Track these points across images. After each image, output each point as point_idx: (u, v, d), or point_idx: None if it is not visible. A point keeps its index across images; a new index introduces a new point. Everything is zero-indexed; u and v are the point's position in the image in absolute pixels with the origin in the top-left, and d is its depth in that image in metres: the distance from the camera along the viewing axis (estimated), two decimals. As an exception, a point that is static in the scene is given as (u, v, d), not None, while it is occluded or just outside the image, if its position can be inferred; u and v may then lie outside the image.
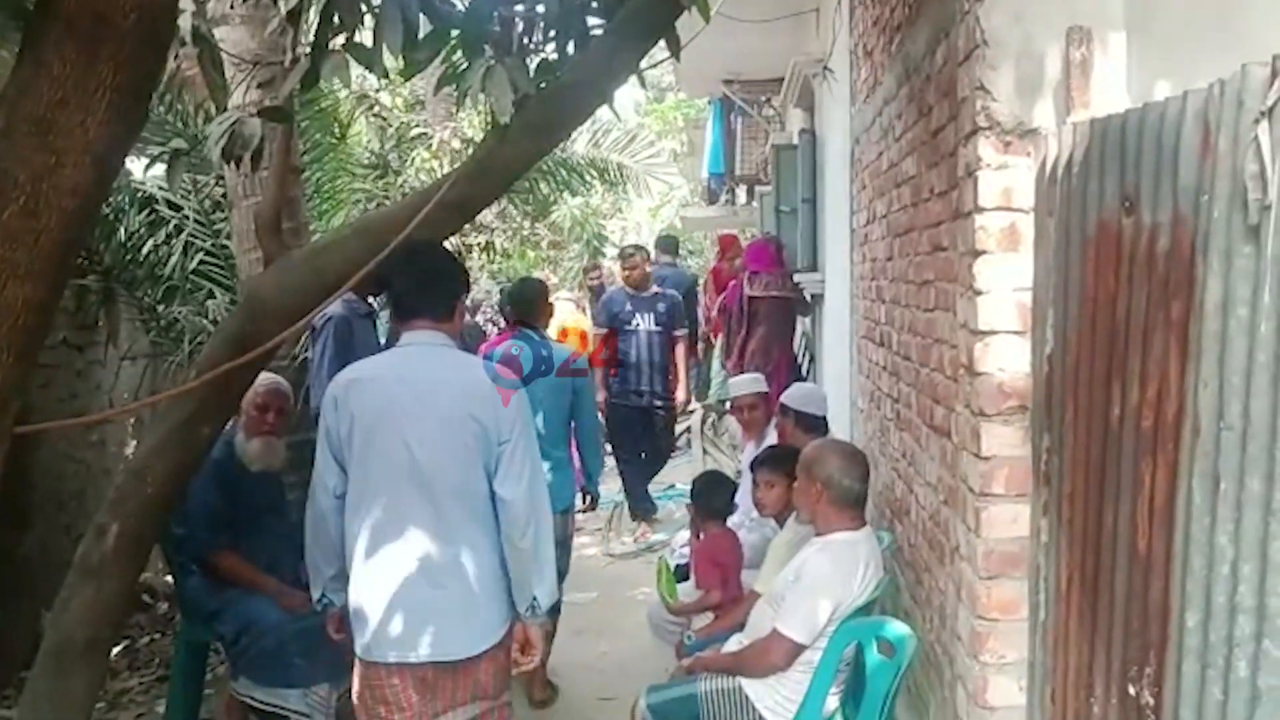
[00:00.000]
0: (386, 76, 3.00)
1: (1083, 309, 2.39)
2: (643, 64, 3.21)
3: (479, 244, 12.76)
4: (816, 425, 4.80)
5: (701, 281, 11.46)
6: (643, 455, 8.06)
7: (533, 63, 3.13)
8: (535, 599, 2.97)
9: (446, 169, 8.74)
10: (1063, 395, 2.50)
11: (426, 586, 2.89)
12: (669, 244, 11.98)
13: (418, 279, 3.03)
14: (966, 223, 2.85)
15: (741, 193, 12.89)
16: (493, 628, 2.98)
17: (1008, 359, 2.74)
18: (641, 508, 8.04)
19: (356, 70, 2.94)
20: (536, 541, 2.95)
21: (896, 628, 3.25)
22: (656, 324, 7.78)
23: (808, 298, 7.87)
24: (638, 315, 7.79)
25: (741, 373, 6.92)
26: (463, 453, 2.90)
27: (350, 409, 2.96)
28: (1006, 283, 2.73)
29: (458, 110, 10.57)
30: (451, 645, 2.91)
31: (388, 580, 2.89)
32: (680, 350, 7.99)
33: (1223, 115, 1.85)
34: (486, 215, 11.80)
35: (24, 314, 2.28)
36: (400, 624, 2.90)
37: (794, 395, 5.09)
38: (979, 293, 2.74)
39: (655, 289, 7.96)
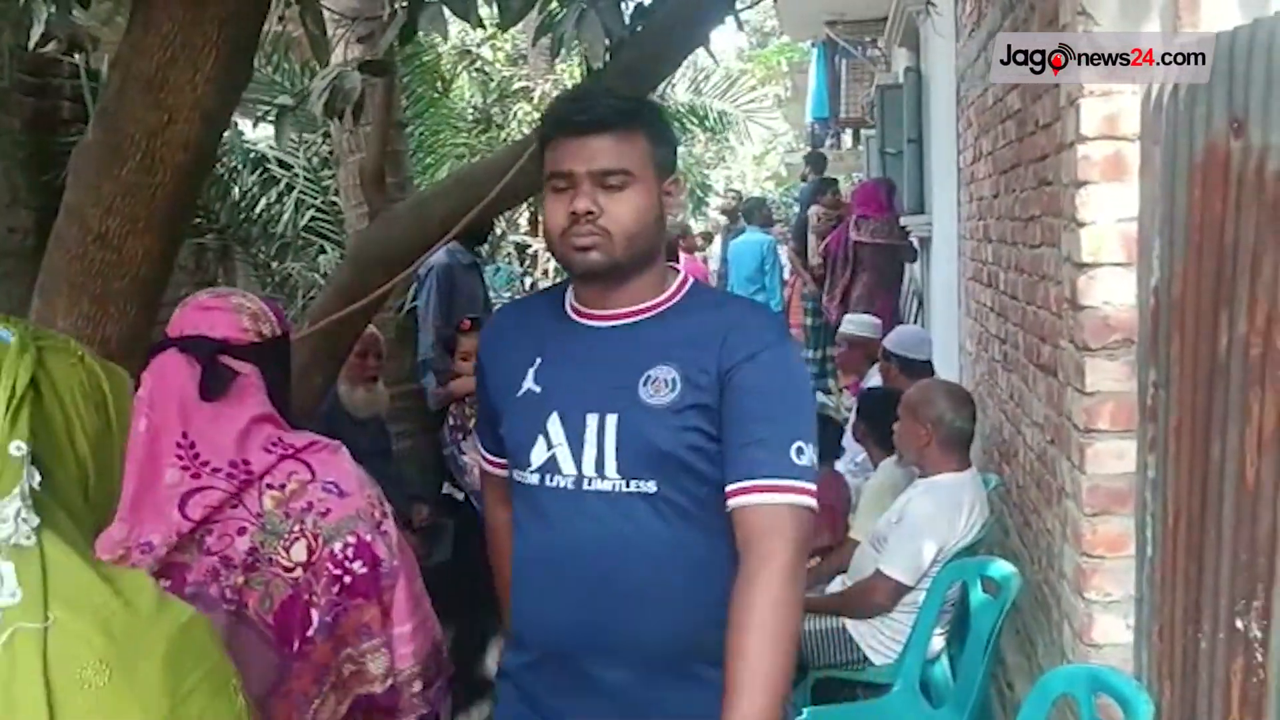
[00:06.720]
0: (483, 26, 3.04)
1: (1188, 237, 2.32)
2: (741, 5, 3.18)
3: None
4: (921, 370, 4.76)
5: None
6: None
7: (628, 7, 3.13)
8: None
9: (549, 122, 8.75)
10: (1169, 327, 2.43)
11: None
12: (818, 161, 11.05)
13: None
14: (1069, 153, 2.77)
15: (847, 137, 12.72)
16: None
17: (1112, 291, 2.66)
18: None
19: (458, 25, 2.99)
20: None
21: (1001, 566, 3.23)
22: (626, 479, 1.69)
23: (915, 243, 7.74)
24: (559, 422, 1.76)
25: (844, 316, 6.89)
26: None
27: None
28: (1110, 213, 2.65)
29: (556, 59, 10.58)
30: None
31: None
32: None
33: (1336, 27, 1.77)
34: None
35: (144, 265, 2.40)
36: None
37: (895, 340, 5.05)
38: (1082, 224, 2.67)
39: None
